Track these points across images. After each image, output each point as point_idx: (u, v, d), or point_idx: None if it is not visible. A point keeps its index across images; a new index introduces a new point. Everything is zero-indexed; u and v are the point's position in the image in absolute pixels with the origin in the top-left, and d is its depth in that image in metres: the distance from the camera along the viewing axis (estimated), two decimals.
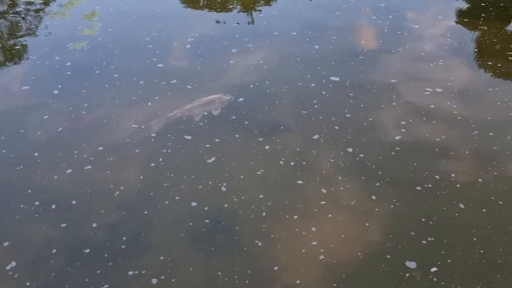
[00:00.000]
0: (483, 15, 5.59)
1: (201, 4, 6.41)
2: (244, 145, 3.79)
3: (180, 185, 3.37)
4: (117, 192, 3.35)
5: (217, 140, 3.83)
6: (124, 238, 2.99)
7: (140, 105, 4.25)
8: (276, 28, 5.54)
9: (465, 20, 5.64)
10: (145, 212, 3.17)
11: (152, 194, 3.31)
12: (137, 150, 3.73)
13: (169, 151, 3.71)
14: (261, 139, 3.83)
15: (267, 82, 4.57)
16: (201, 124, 4.02)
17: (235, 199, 3.25)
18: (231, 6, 6.30)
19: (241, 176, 3.46)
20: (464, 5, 6.03)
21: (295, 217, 3.12)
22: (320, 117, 4.05)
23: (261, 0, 6.36)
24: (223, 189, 3.34)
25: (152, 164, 3.58)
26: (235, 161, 3.61)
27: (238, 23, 5.73)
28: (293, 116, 4.10)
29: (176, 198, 3.27)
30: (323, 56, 4.99)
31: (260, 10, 6.13)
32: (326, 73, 4.68)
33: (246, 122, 4.03)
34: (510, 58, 4.77)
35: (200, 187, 3.36)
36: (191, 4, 6.43)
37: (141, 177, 3.47)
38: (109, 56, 5.04)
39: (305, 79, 4.62)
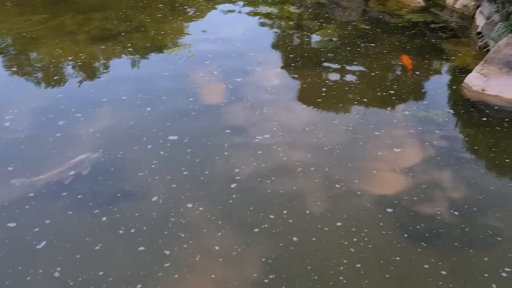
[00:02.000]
0: (293, 64, 6.38)
1: (17, 76, 6.00)
2: (78, 221, 3.58)
3: (3, 282, 3.00)
4: None
5: (47, 221, 3.55)
6: None
7: None
8: (105, 94, 5.47)
9: (279, 70, 6.32)
10: None
11: None
12: None
13: None
14: (97, 211, 3.67)
15: (101, 151, 4.44)
16: (27, 207, 3.69)
17: (72, 283, 3.02)
18: (55, 77, 6.03)
19: (77, 256, 3.24)
20: (278, 57, 6.76)
21: (139, 286, 3.01)
22: (157, 177, 4.06)
23: (86, 67, 6.25)
24: (57, 274, 3.07)
25: None
26: (70, 241, 3.37)
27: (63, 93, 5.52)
28: (130, 181, 4.03)
29: None
30: (157, 117, 5.07)
31: (85, 77, 6.00)
32: (163, 134, 4.75)
33: (79, 196, 3.83)
34: (319, 100, 5.49)
35: (28, 278, 3.03)
36: (5, 77, 5.97)
37: None
38: None
39: (141, 142, 4.62)
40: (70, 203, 3.74)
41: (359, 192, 3.97)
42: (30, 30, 7.31)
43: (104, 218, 3.59)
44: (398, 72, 6.17)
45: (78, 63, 6.27)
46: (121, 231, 3.47)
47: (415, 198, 3.89)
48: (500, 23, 6.02)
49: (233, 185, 4.02)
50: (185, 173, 4.16)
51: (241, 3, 8.83)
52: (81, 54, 6.48)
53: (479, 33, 6.79)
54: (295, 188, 4.02)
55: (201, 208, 3.73)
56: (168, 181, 4.02)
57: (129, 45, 6.78)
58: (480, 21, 7.05)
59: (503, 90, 5.29)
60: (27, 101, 5.33)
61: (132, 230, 3.48)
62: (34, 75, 6.07)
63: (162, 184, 3.99)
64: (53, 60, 6.36)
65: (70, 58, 6.40)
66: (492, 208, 3.77)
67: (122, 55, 6.53)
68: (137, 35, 7.07)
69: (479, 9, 7.33)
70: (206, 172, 4.18)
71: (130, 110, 5.17)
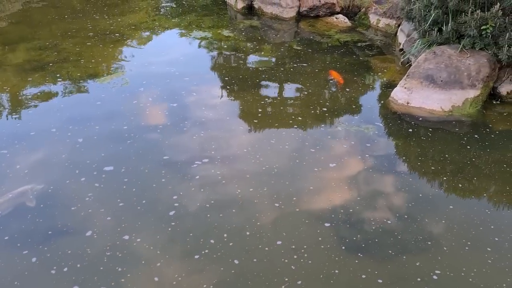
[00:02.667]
0: (229, 87, 6.45)
1: None
2: (6, 264, 3.36)
3: None
4: None
5: None
6: None
7: None
8: (33, 128, 5.23)
9: (215, 93, 6.36)
10: None
11: None
12: None
13: None
14: (26, 251, 3.46)
15: (30, 187, 4.22)
16: None
17: None
18: None
19: None
20: (214, 80, 6.81)
21: None
22: (91, 211, 3.91)
23: (12, 100, 5.96)
24: None
25: None
26: None
27: None
28: (62, 217, 3.85)
29: None
30: (90, 148, 4.90)
31: (11, 110, 5.71)
32: (98, 165, 4.60)
33: (6, 238, 3.60)
34: (255, 121, 5.57)
35: None
36: None
37: None
38: None
39: (74, 175, 4.44)
40: None
41: (297, 210, 4.04)
42: None
43: (34, 259, 3.39)
44: (331, 90, 6.42)
45: (3, 96, 5.97)
46: (53, 271, 3.29)
47: (351, 211, 4.02)
48: (418, 40, 6.47)
49: (171, 213, 3.95)
50: (121, 204, 4.03)
51: (175, 28, 8.85)
52: (6, 87, 6.19)
53: (401, 49, 7.25)
54: (235, 210, 4.02)
55: (138, 239, 3.63)
56: (103, 214, 3.88)
57: (58, 75, 6.56)
58: (401, 38, 7.54)
59: (425, 102, 5.65)
60: None
61: (65, 269, 3.31)
62: None
63: (97, 217, 3.84)
64: None
65: None
66: (421, 214, 3.97)
67: (51, 86, 6.29)
68: (66, 65, 6.87)
69: (400, 27, 7.84)
70: (143, 202, 4.08)
71: (61, 143, 4.97)
